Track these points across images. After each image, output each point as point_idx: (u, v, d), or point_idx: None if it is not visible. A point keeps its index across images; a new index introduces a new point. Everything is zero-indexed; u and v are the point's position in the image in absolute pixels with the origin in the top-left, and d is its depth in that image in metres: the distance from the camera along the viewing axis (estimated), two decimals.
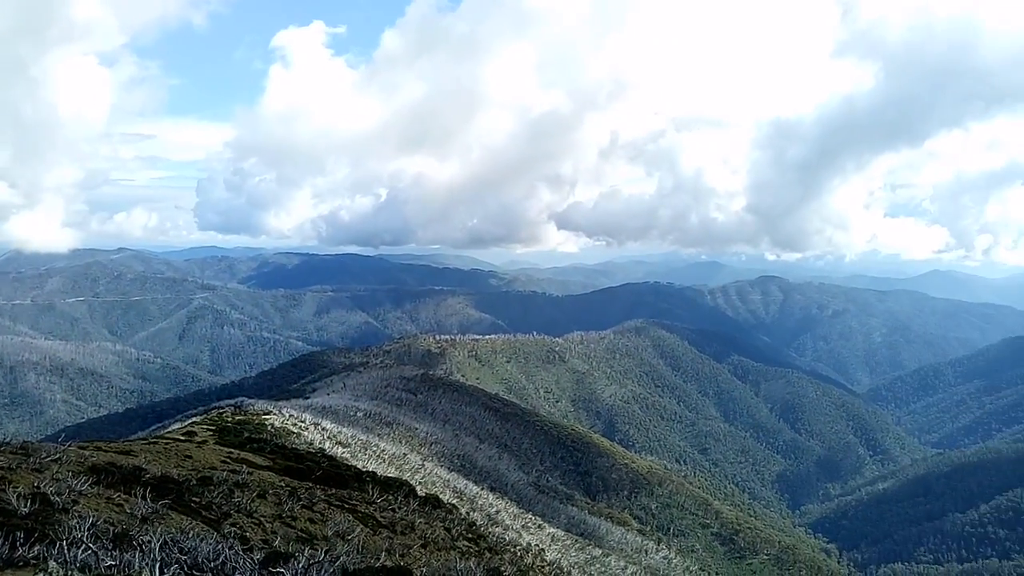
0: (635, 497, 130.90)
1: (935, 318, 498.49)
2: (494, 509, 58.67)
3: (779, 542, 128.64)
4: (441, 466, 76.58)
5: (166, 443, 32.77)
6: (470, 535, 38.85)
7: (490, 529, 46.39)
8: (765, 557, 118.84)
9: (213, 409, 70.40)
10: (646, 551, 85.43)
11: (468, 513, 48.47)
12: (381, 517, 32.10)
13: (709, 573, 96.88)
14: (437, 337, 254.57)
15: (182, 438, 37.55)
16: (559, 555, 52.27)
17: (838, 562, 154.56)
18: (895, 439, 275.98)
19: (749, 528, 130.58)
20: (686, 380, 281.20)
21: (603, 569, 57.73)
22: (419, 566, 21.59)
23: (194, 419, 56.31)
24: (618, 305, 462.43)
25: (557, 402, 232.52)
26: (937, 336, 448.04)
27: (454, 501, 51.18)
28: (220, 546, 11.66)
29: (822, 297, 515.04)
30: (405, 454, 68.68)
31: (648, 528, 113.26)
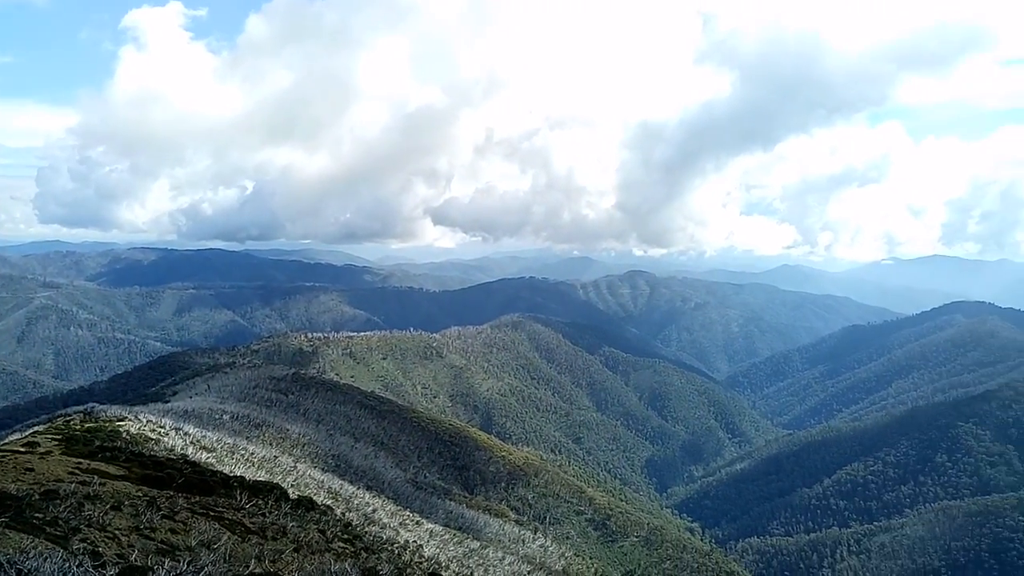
0: (512, 488, 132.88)
1: (785, 309, 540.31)
2: (371, 508, 57.72)
3: (648, 524, 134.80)
4: (315, 467, 74.37)
5: (2, 455, 29.75)
6: (346, 536, 37.97)
7: (367, 528, 45.61)
8: (635, 539, 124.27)
9: (59, 416, 64.57)
10: (523, 541, 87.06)
11: (344, 514, 47.39)
12: (250, 523, 30.69)
13: (583, 558, 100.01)
14: (309, 335, 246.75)
15: (22, 449, 34.20)
16: (437, 550, 52.22)
17: (701, 539, 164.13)
18: (751, 422, 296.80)
19: (620, 512, 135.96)
20: (561, 372, 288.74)
21: (481, 561, 58.26)
22: (291, 571, 20.86)
23: (36, 428, 51.39)
24: (495, 300, 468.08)
25: (435, 398, 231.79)
26: (787, 326, 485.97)
27: (329, 502, 49.87)
28: (67, 564, 10.76)
29: (685, 290, 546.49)
30: (276, 456, 66.14)
31: (525, 518, 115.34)
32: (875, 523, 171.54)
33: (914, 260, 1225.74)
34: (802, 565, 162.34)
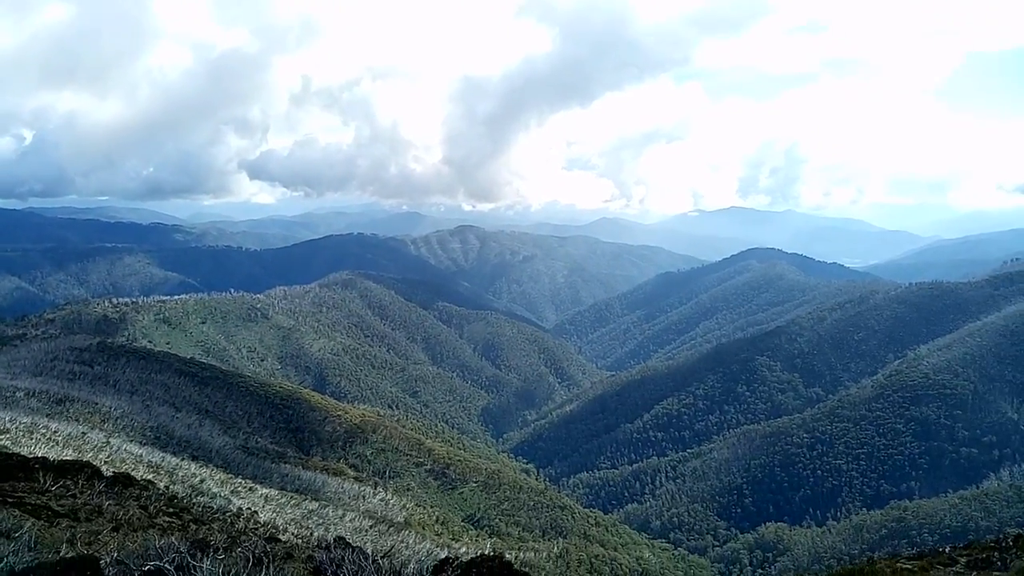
0: (350, 447, 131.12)
1: (605, 259, 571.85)
2: (198, 479, 54.19)
3: (486, 469, 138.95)
4: (131, 441, 68.37)
5: None
6: (171, 509, 35.25)
7: (195, 500, 42.72)
8: (474, 484, 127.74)
9: None
10: (364, 497, 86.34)
11: (168, 487, 44.02)
12: (58, 506, 27.50)
13: (425, 507, 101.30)
14: (115, 301, 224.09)
15: None
16: (274, 514, 50.21)
17: (536, 479, 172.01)
18: (578, 366, 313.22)
19: (459, 460, 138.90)
20: (395, 328, 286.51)
21: (321, 521, 56.93)
22: (109, 551, 18.92)
23: None
24: (322, 258, 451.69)
25: (262, 361, 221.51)
26: (607, 275, 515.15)
27: (150, 477, 46.07)
28: None
29: (514, 244, 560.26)
30: (85, 433, 59.90)
31: (365, 474, 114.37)
32: (688, 450, 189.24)
33: (716, 212, 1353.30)
34: (627, 493, 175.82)
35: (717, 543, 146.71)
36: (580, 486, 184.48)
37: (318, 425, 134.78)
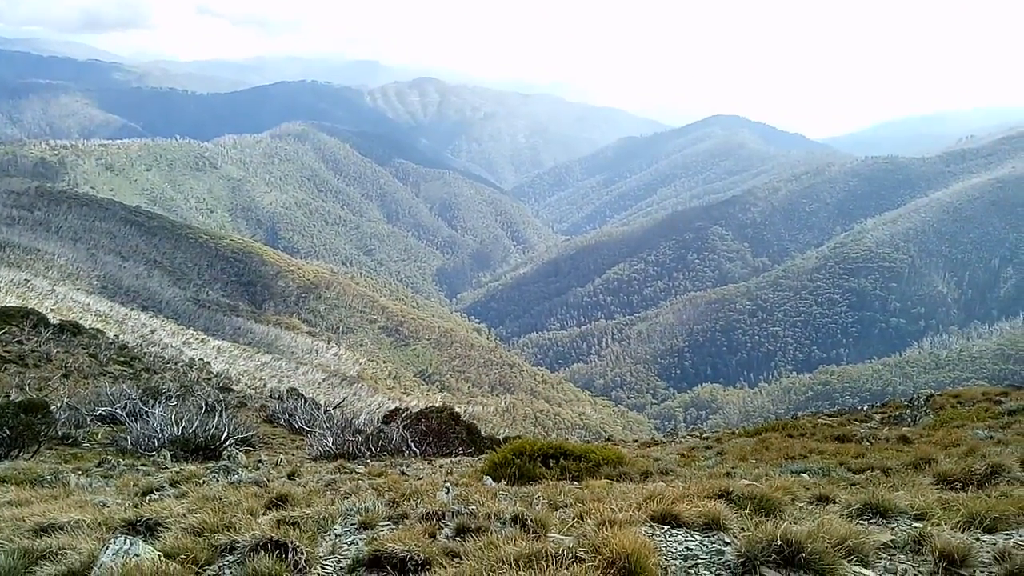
0: (303, 302, 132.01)
1: (569, 121, 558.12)
2: (148, 329, 54.41)
3: (438, 327, 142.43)
4: (77, 289, 67.57)
5: None
6: (122, 358, 35.61)
7: (146, 350, 43.10)
8: (426, 342, 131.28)
9: None
10: (317, 351, 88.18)
11: (117, 336, 44.15)
12: (4, 352, 27.50)
13: (378, 362, 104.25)
14: (52, 143, 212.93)
15: None
16: (227, 365, 51.17)
17: (487, 338, 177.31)
18: (534, 230, 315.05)
19: (412, 319, 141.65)
20: (350, 184, 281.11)
21: (274, 373, 58.32)
22: (60, 397, 19.16)
23: None
24: (273, 105, 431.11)
25: (212, 212, 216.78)
26: (570, 137, 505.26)
27: (98, 326, 46.00)
28: None
29: (475, 99, 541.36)
30: (28, 280, 58.82)
31: (318, 330, 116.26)
32: (636, 314, 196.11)
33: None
34: (574, 353, 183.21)
35: (655, 401, 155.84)
36: (530, 346, 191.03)
37: (271, 280, 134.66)
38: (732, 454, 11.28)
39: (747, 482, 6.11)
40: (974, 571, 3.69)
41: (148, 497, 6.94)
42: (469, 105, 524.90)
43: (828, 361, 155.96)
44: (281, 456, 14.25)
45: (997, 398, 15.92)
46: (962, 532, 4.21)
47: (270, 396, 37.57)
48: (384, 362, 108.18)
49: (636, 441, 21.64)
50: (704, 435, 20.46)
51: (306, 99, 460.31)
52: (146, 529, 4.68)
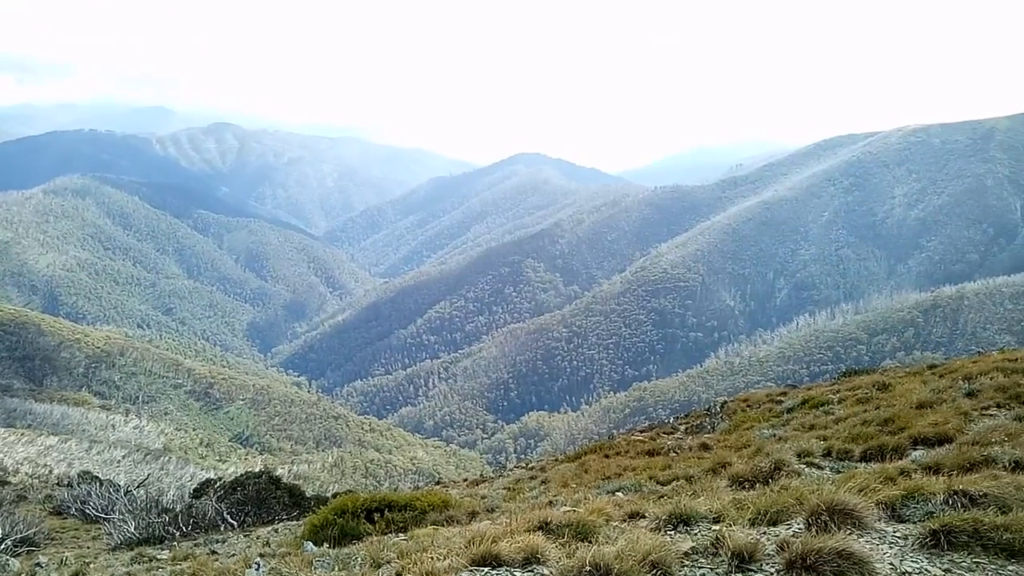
0: (94, 373, 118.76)
1: (377, 162, 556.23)
2: None
3: (253, 385, 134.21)
4: None
5: None
6: None
7: None
8: (241, 402, 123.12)
9: None
10: (114, 426, 79.38)
11: None
12: None
13: (187, 431, 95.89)
14: None
15: None
16: (1, 455, 44.48)
17: (308, 391, 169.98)
18: (350, 274, 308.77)
19: (223, 379, 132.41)
20: (141, 239, 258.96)
21: (62, 456, 51.58)
22: None
23: None
24: (45, 158, 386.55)
25: None
26: (380, 179, 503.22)
27: None
28: None
29: (278, 145, 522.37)
30: None
31: (114, 402, 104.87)
32: (460, 351, 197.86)
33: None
34: (401, 397, 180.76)
35: (486, 436, 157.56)
36: (354, 394, 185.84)
37: (52, 351, 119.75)
38: (555, 481, 11.59)
39: (566, 509, 6.28)
40: (761, 564, 3.98)
41: None
42: (271, 151, 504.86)
43: (640, 378, 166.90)
44: (67, 553, 12.50)
45: (778, 398, 17.83)
46: (752, 529, 4.61)
47: (57, 484, 33.17)
48: (194, 429, 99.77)
49: (466, 480, 21.64)
50: (530, 465, 20.92)
51: (85, 149, 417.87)
52: None
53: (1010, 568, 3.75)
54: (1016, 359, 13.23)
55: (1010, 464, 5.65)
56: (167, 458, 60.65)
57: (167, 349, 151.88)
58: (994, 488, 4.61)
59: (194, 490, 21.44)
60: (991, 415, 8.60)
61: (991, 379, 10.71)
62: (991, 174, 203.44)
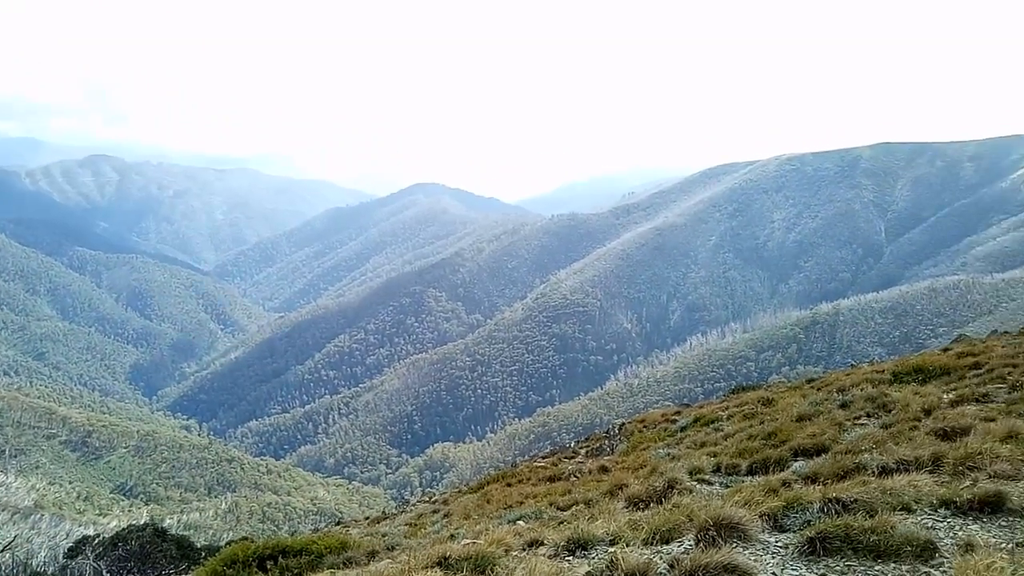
0: None
1: (270, 194, 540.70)
2: None
3: (137, 432, 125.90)
4: None
5: None
6: None
7: None
8: (124, 450, 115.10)
9: None
10: None
11: None
12: None
13: (61, 484, 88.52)
14: None
15: None
16: None
17: (199, 435, 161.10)
18: (243, 310, 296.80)
19: (104, 426, 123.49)
20: (8, 280, 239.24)
21: None
22: None
23: None
24: None
25: None
26: (274, 211, 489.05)
27: None
28: None
29: (162, 177, 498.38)
30: None
31: None
32: (361, 385, 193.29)
33: None
34: (300, 435, 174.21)
35: (390, 471, 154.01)
36: (250, 435, 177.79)
37: None
38: (457, 513, 11.44)
39: (466, 542, 6.19)
40: None
41: None
42: (155, 183, 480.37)
43: (544, 403, 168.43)
44: None
45: (673, 417, 18.43)
46: (646, 548, 4.70)
47: None
48: (71, 483, 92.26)
49: (367, 518, 21.03)
50: (433, 498, 20.59)
51: None
52: None
53: (877, 568, 3.98)
54: (883, 370, 14.29)
55: (878, 469, 6.04)
56: (38, 516, 55.62)
57: (38, 397, 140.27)
58: (863, 493, 4.92)
59: (69, 549, 19.81)
60: (862, 424, 9.23)
61: (861, 390, 11.50)
62: (858, 199, 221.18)
